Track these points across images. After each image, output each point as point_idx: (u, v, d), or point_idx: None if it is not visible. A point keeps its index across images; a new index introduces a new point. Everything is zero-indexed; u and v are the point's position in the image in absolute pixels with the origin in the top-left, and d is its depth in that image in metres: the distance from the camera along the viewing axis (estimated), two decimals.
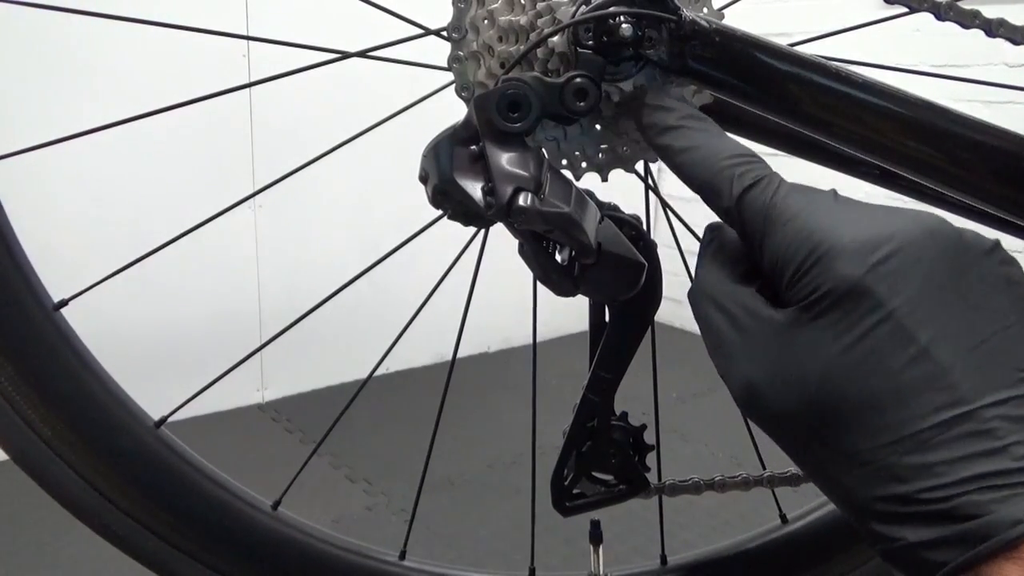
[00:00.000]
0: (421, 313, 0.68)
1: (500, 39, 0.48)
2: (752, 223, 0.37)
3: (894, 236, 0.34)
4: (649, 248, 0.48)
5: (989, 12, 0.50)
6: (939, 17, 0.49)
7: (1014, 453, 0.32)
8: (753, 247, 0.38)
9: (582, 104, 0.44)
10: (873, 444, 0.33)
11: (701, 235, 0.42)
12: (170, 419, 0.60)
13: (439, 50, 0.52)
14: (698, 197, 0.43)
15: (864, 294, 0.33)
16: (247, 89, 2.48)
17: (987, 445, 0.32)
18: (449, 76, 0.50)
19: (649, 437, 0.57)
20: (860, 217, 0.36)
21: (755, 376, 0.36)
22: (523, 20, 0.47)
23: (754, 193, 0.38)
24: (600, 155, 0.50)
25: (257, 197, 2.46)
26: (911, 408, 0.33)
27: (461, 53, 0.49)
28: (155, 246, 0.64)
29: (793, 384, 0.35)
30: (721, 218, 0.40)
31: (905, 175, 0.47)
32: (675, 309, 2.92)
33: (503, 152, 0.43)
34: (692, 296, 0.41)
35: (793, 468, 0.64)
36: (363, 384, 0.71)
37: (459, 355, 0.74)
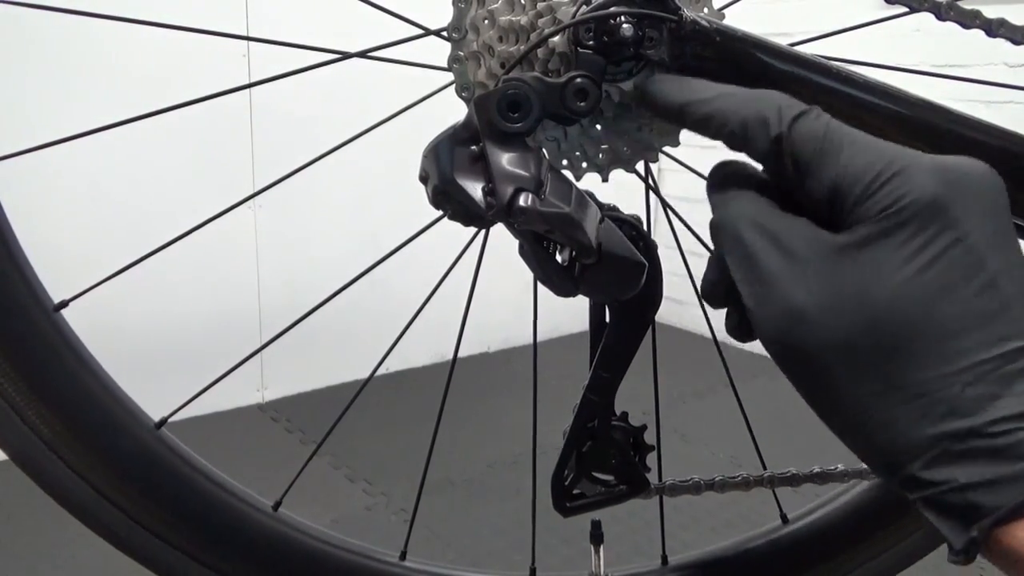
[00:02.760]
0: (421, 313, 0.68)
1: (500, 39, 0.48)
2: (805, 149, 0.36)
3: (963, 164, 0.34)
4: (649, 248, 0.48)
5: (989, 12, 0.50)
6: (939, 17, 0.49)
7: None
8: (801, 177, 0.36)
9: (583, 104, 0.44)
10: (934, 374, 0.32)
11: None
12: (170, 419, 0.60)
13: (439, 50, 0.52)
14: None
15: (942, 211, 0.33)
16: (247, 89, 2.48)
17: None
18: (449, 76, 0.50)
19: (649, 437, 0.57)
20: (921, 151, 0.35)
21: (803, 301, 0.34)
22: (523, 20, 0.47)
23: (807, 120, 0.36)
24: (600, 155, 0.50)
25: (257, 197, 2.46)
26: (977, 337, 0.32)
27: (461, 53, 0.49)
28: (155, 246, 0.64)
29: (851, 309, 0.33)
30: (757, 157, 0.38)
31: None
32: (675, 309, 2.93)
33: (504, 152, 0.43)
34: (723, 221, 0.38)
35: (793, 468, 0.64)
36: (364, 384, 0.71)
37: (459, 355, 0.74)
